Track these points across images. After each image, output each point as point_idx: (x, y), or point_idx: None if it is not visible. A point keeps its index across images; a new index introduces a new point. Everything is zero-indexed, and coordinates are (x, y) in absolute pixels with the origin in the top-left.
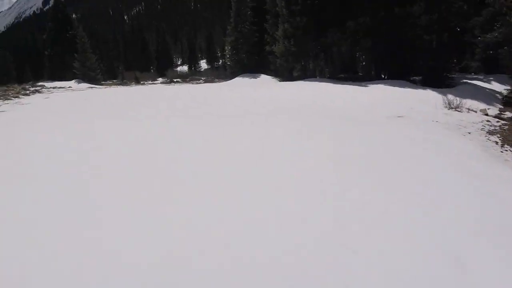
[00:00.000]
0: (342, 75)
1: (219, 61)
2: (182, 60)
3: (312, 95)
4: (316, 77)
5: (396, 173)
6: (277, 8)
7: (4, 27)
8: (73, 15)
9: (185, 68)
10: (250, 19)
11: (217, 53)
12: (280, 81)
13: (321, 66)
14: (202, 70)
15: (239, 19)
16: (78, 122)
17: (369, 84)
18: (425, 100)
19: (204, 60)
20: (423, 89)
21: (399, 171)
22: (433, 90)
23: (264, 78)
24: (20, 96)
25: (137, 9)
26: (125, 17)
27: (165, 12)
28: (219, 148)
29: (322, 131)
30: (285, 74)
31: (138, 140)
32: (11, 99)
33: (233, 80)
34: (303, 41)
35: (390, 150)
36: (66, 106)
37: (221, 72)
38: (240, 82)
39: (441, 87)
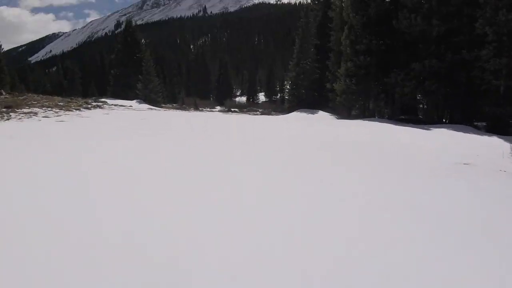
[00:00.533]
0: (402, 117)
1: (277, 95)
2: (241, 91)
3: (373, 135)
4: (375, 117)
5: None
6: (341, 47)
7: (76, 44)
8: (142, 40)
9: (243, 98)
10: (312, 56)
11: (276, 87)
12: (338, 118)
13: (380, 106)
14: (259, 102)
15: (302, 55)
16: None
17: (432, 127)
18: (491, 148)
19: (263, 93)
20: (489, 135)
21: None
22: (499, 137)
23: (322, 115)
24: (81, 109)
25: (203, 40)
26: (191, 47)
27: (230, 45)
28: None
29: (387, 179)
30: (344, 112)
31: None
32: (72, 111)
33: (290, 114)
34: (365, 81)
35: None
36: (122, 124)
37: (278, 106)
38: (298, 117)
39: (507, 135)
